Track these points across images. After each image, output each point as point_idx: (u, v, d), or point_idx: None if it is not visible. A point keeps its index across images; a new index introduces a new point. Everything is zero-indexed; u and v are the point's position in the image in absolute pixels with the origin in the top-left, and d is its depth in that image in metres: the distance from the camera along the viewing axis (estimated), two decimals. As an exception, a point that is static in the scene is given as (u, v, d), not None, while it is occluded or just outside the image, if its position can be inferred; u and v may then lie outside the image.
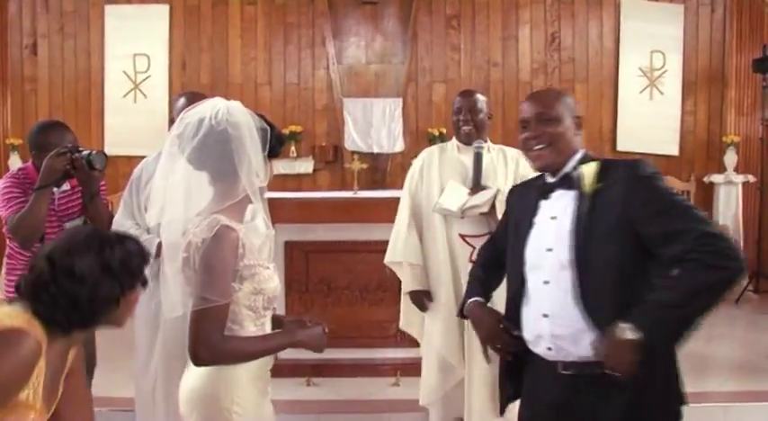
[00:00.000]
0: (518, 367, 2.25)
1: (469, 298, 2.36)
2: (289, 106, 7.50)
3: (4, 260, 3.31)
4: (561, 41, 7.58)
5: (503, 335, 2.22)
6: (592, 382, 2.03)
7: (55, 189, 3.08)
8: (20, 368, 1.61)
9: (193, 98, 2.74)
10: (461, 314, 2.40)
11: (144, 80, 7.40)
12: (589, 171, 2.06)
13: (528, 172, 3.47)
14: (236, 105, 1.96)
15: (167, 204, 1.93)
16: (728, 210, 7.32)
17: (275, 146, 1.99)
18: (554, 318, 2.08)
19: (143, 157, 3.32)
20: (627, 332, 1.84)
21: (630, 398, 2.00)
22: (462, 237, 3.40)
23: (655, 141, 7.48)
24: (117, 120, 7.15)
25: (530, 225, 2.18)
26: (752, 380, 4.61)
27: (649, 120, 7.50)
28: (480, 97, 3.52)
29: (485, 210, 3.30)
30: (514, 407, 3.40)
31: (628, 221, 1.96)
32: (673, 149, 7.53)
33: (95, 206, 3.13)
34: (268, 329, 2.05)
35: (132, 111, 7.25)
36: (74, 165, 2.95)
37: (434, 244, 3.46)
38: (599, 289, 1.99)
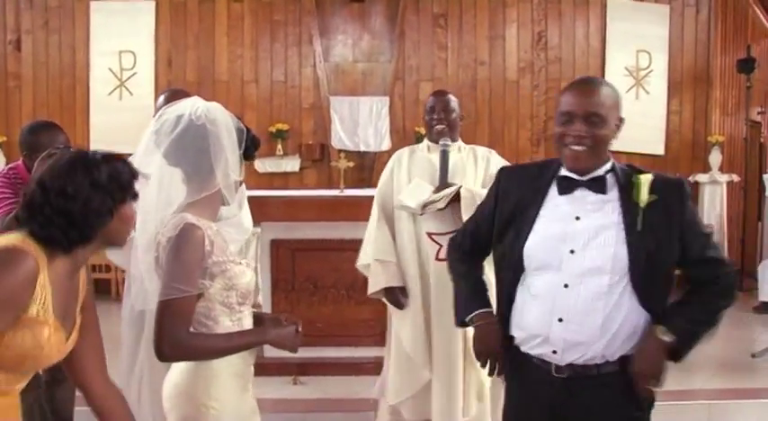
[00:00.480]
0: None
1: (473, 306, 2.23)
2: (275, 104, 7.48)
3: None
4: (548, 41, 7.60)
5: (502, 357, 2.18)
6: (586, 384, 2.04)
7: None
8: (18, 283, 1.65)
9: (174, 96, 2.73)
10: (462, 323, 2.29)
11: (130, 77, 7.36)
12: (646, 182, 2.02)
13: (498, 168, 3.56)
14: (214, 105, 1.99)
15: (141, 201, 1.92)
16: (713, 209, 7.35)
17: (249, 148, 2.02)
18: (570, 324, 2.02)
19: (129, 155, 3.29)
20: (665, 335, 1.99)
21: (622, 399, 2.03)
22: (429, 235, 3.41)
23: (640, 141, 7.42)
24: (102, 118, 7.10)
25: (535, 216, 2.09)
26: (736, 378, 4.64)
27: (635, 120, 7.30)
28: (452, 98, 3.56)
29: (441, 205, 3.28)
30: (482, 406, 3.38)
31: (682, 238, 2.05)
32: (658, 149, 7.56)
33: None
34: (247, 325, 2.05)
35: (118, 109, 7.18)
36: None
37: (402, 242, 3.47)
38: (656, 297, 2.07)
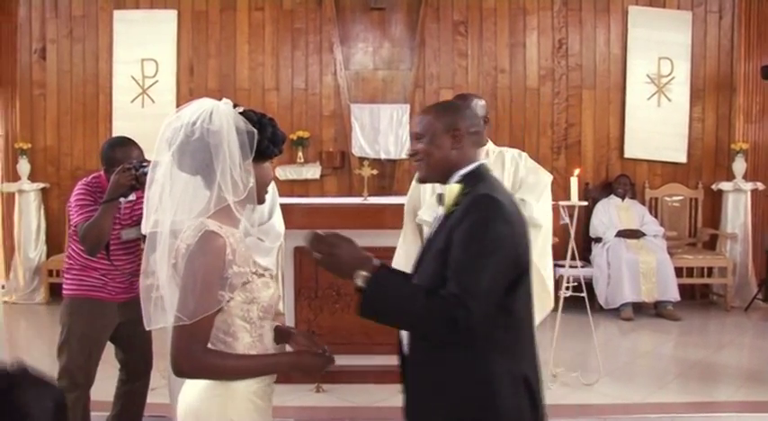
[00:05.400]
0: None
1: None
2: (296, 112, 7.50)
3: (65, 257, 3.53)
4: (569, 48, 7.56)
5: None
6: None
7: (122, 199, 3.32)
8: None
9: None
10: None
11: (152, 85, 7.40)
12: (451, 192, 2.06)
13: (530, 174, 3.48)
14: (219, 109, 1.90)
15: (160, 210, 1.91)
16: (737, 217, 7.29)
17: (268, 147, 1.95)
18: None
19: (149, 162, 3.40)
20: (360, 278, 1.92)
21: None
22: None
23: (662, 148, 7.47)
24: (125, 125, 7.04)
25: None
26: (763, 390, 4.56)
27: (657, 128, 7.47)
28: (476, 101, 3.44)
29: None
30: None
31: (449, 246, 1.96)
32: (680, 157, 7.50)
33: None
34: (268, 341, 1.97)
35: (140, 116, 7.21)
36: (138, 180, 3.17)
37: None
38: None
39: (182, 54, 7.47)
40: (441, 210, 2.07)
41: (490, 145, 3.52)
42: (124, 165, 3.22)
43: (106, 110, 7.48)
